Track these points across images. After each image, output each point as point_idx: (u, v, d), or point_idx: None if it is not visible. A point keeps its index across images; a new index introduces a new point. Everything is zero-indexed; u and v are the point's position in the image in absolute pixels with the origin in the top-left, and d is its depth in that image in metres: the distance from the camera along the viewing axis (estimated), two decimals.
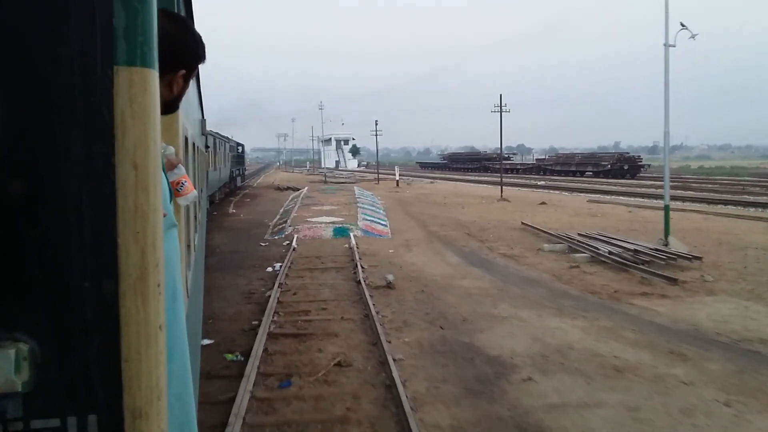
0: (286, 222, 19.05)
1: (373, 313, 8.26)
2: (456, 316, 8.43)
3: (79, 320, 0.79)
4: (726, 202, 25.24)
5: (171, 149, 1.81)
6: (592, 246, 13.25)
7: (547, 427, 5.01)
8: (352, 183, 45.72)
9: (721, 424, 5.05)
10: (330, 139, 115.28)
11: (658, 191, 29.27)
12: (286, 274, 11.21)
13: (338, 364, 6.45)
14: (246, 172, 52.63)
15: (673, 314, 8.54)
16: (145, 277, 0.81)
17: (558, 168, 59.36)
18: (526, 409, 5.36)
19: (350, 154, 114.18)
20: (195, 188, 2.25)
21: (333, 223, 18.36)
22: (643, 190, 33.30)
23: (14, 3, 0.77)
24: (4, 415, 0.77)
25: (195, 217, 4.62)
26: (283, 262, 12.32)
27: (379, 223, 19.31)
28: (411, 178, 54.62)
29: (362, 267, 11.64)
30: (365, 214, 20.59)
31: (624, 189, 34.24)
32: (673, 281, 10.24)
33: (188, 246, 3.44)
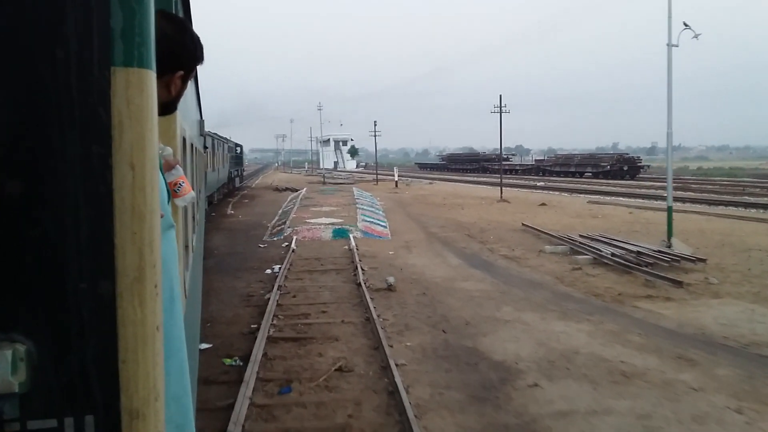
0: (284, 223, 18.91)
1: (374, 316, 8.13)
2: (458, 319, 8.30)
3: (76, 321, 0.79)
4: (727, 204, 25.15)
5: (169, 150, 1.80)
6: (594, 248, 13.12)
7: None
8: (351, 184, 45.54)
9: None
10: (328, 139, 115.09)
11: (659, 192, 29.23)
12: (286, 276, 11.07)
13: (339, 369, 6.32)
14: (244, 173, 52.50)
15: (679, 317, 8.41)
16: (142, 278, 0.82)
17: (557, 169, 59.28)
18: (533, 416, 5.22)
19: (349, 155, 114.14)
20: (193, 189, 2.23)
21: (332, 224, 18.22)
22: (644, 191, 33.19)
23: (11, 4, 0.77)
24: (0, 415, 0.77)
25: (193, 218, 4.61)
26: (282, 263, 12.18)
27: (378, 224, 19.17)
28: (410, 179, 54.53)
29: (362, 269, 11.51)
30: (364, 215, 20.45)
31: (624, 190, 34.15)
32: (677, 284, 10.11)
33: (186, 247, 3.42)
